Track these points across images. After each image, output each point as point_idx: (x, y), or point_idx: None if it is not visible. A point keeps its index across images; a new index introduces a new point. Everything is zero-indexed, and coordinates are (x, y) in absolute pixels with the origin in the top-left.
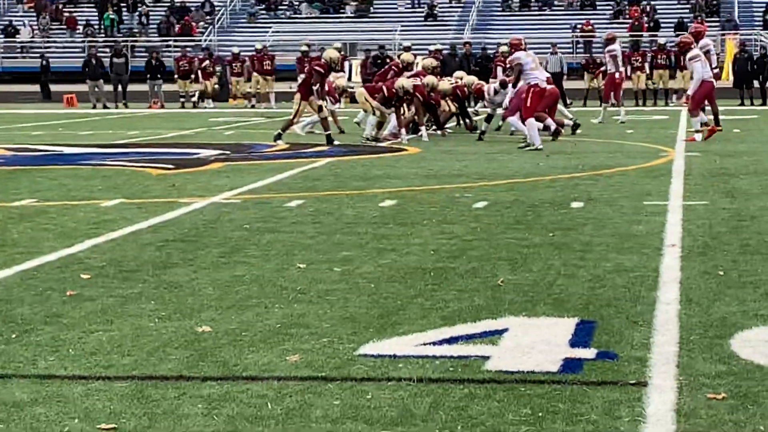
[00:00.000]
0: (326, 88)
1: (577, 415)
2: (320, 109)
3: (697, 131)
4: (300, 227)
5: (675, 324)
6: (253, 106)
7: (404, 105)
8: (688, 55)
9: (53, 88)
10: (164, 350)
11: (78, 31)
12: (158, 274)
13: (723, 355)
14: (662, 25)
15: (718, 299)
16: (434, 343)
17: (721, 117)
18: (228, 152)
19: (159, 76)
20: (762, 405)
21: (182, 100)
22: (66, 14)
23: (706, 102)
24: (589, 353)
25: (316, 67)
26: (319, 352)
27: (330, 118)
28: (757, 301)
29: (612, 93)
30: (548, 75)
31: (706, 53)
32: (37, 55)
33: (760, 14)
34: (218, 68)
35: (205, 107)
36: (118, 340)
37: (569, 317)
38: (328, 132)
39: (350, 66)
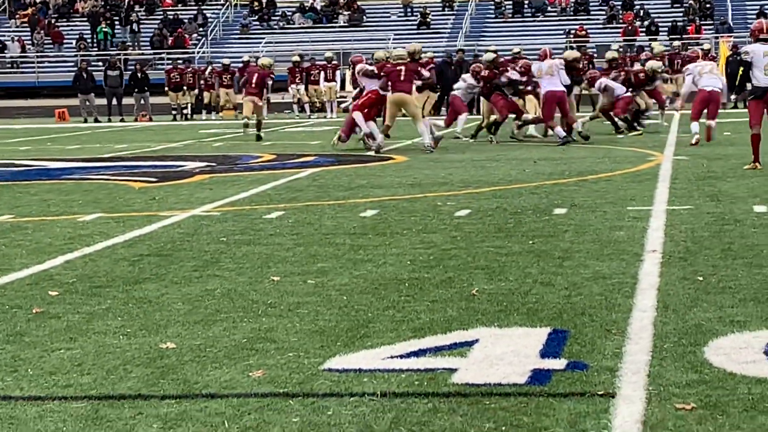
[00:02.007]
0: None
1: (541, 428)
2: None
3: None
4: (277, 239)
5: (649, 332)
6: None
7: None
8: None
9: (45, 102)
10: (125, 368)
11: (66, 46)
12: (128, 290)
13: (695, 363)
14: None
15: (696, 305)
16: (402, 356)
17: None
18: (214, 164)
19: (146, 88)
20: (731, 415)
21: (174, 112)
22: (57, 29)
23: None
24: (558, 364)
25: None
26: (283, 368)
27: None
28: (735, 306)
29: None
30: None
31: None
32: (31, 70)
33: (754, 17)
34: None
35: (203, 119)
36: (80, 358)
37: (542, 327)
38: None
39: (343, 75)
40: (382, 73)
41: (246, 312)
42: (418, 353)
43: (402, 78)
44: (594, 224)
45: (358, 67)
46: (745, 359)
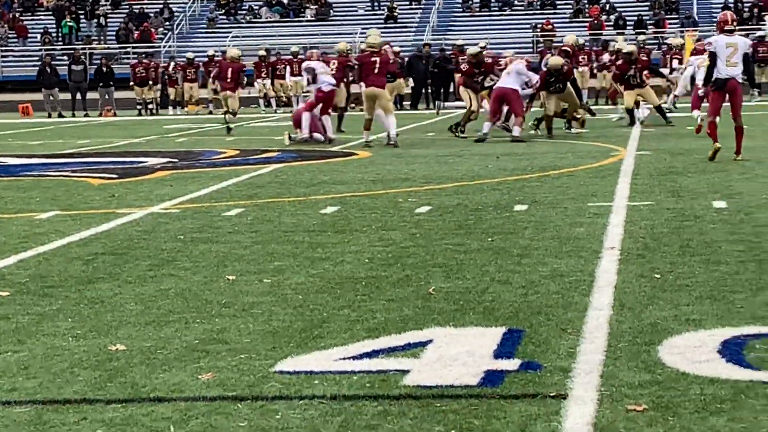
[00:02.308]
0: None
1: (491, 431)
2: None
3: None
4: (236, 237)
5: (604, 331)
6: (210, 112)
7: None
8: None
9: (8, 97)
10: (72, 371)
11: (31, 40)
12: (81, 290)
13: (649, 363)
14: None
15: (652, 304)
16: (354, 357)
17: (677, 114)
18: (176, 160)
19: (111, 83)
20: (682, 417)
21: (139, 107)
22: (22, 23)
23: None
24: (512, 364)
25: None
26: (233, 370)
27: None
28: (691, 304)
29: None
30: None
31: None
32: None
33: (719, 11)
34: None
35: (169, 113)
36: (27, 361)
37: (497, 326)
38: None
39: None
40: (357, 64)
41: (199, 312)
42: (371, 354)
43: (376, 71)
44: (554, 221)
45: (304, 64)
46: (699, 359)
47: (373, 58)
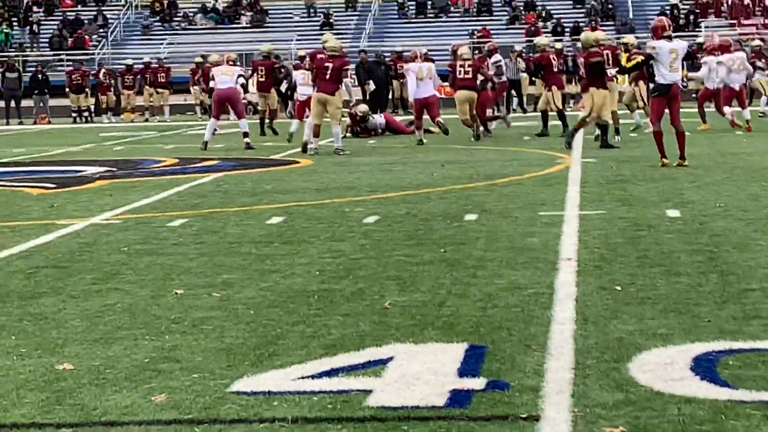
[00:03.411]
0: None
1: None
2: None
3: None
4: (181, 249)
5: (570, 346)
6: (146, 120)
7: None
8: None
9: None
10: (18, 392)
11: None
12: (24, 305)
13: (621, 382)
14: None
15: (615, 317)
16: (313, 377)
17: (621, 122)
18: (115, 169)
19: (46, 90)
20: None
21: (74, 115)
22: None
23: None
24: (478, 383)
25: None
26: (188, 390)
27: None
28: (656, 318)
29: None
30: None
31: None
32: None
33: (654, 17)
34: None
35: (104, 122)
36: None
37: (458, 342)
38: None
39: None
40: (314, 67)
41: (148, 329)
42: (330, 373)
43: (327, 77)
44: (506, 230)
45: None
46: (672, 376)
47: (326, 64)
